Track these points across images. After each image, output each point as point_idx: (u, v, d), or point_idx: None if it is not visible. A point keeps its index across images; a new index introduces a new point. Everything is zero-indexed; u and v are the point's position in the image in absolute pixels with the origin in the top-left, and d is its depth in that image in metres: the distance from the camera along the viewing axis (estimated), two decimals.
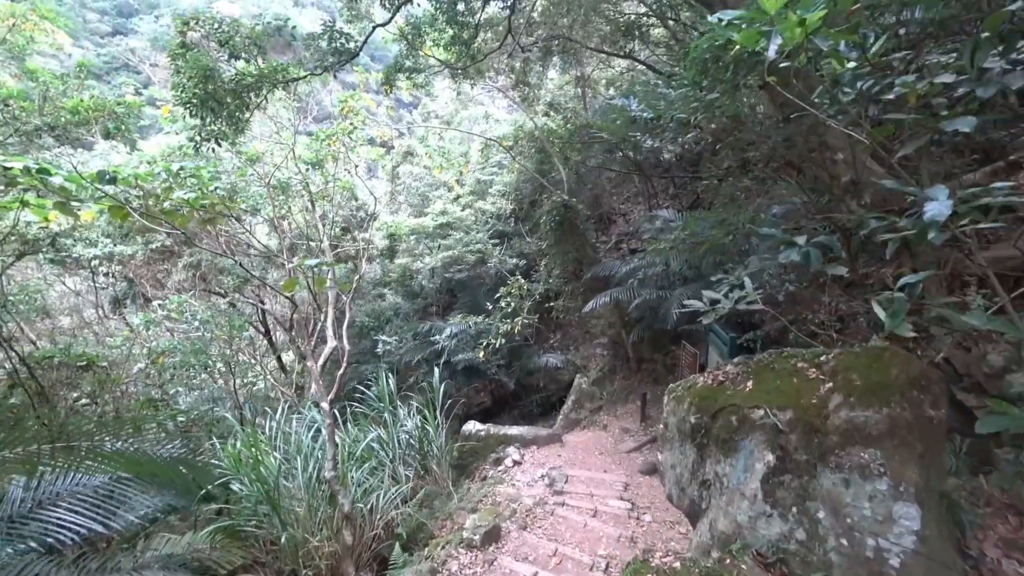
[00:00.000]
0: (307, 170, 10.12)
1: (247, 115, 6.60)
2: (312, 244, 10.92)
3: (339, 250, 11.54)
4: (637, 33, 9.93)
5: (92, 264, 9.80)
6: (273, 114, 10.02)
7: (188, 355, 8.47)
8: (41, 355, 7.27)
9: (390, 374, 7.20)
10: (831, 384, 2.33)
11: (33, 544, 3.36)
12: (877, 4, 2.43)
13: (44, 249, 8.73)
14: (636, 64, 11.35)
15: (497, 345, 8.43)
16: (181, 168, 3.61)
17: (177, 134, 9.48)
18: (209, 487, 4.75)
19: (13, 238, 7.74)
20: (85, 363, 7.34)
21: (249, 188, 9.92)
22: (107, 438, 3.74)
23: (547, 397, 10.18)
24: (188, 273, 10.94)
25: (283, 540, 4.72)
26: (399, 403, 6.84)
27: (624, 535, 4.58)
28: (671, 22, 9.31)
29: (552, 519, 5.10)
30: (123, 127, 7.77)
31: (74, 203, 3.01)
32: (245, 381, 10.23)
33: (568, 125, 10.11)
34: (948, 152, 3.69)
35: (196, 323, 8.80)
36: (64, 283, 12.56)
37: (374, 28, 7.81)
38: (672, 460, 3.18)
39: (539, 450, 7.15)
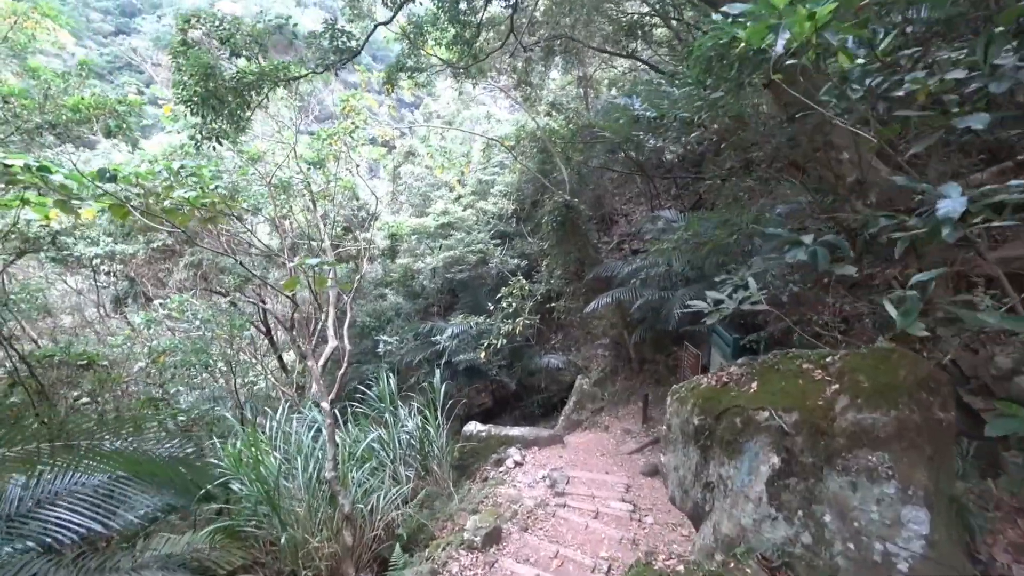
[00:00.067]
0: (308, 169, 10.11)
1: (248, 113, 6.59)
2: (313, 244, 10.91)
3: (340, 250, 11.54)
4: (640, 33, 9.91)
5: (93, 263, 9.81)
6: (275, 113, 10.02)
7: (189, 354, 8.45)
8: (42, 354, 7.27)
9: (391, 374, 7.18)
10: (838, 385, 2.30)
11: (32, 543, 3.34)
12: (885, 0, 2.40)
13: (45, 247, 8.73)
14: (638, 64, 11.33)
15: (498, 345, 8.40)
16: (182, 166, 3.59)
17: (179, 133, 9.47)
18: (209, 487, 4.72)
19: (14, 236, 7.75)
20: (86, 362, 7.33)
21: (251, 187, 9.92)
22: (107, 437, 3.72)
23: (548, 398, 10.15)
24: (189, 272, 10.95)
25: (283, 540, 4.69)
26: (400, 403, 6.82)
27: (626, 537, 4.55)
28: (674, 21, 9.29)
29: (553, 521, 5.07)
30: (124, 125, 7.78)
31: (75, 201, 3.00)
32: (246, 380, 10.22)
33: (570, 125, 10.09)
34: (955, 152, 3.66)
35: (197, 322, 8.79)
36: (65, 282, 12.57)
37: (376, 27, 7.80)
38: (675, 462, 3.15)
39: (540, 451, 7.12)
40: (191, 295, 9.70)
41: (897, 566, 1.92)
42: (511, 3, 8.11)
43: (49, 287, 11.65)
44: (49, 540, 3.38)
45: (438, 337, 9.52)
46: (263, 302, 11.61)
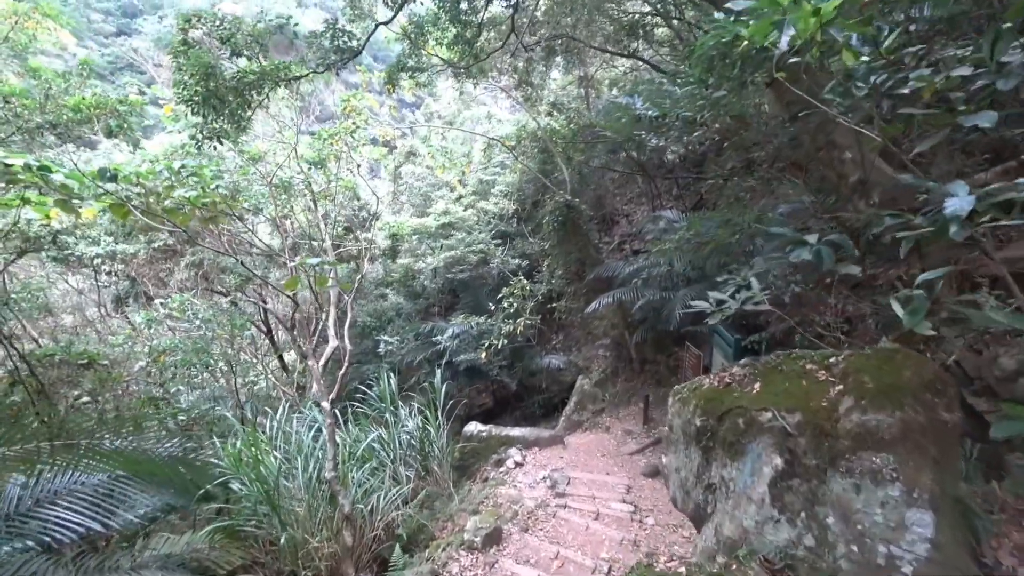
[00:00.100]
0: (309, 169, 10.11)
1: (249, 113, 6.59)
2: (314, 243, 10.91)
3: (341, 250, 11.53)
4: (641, 32, 9.90)
5: (94, 262, 9.82)
6: (275, 113, 10.02)
7: (189, 354, 8.45)
8: (42, 353, 7.28)
9: (391, 374, 7.17)
10: (841, 386, 2.28)
11: (31, 543, 3.33)
12: None
13: (46, 247, 8.74)
14: (640, 64, 11.31)
15: (499, 346, 8.39)
16: (183, 166, 3.59)
17: (180, 133, 9.47)
18: (209, 486, 4.72)
19: (15, 235, 7.75)
20: (86, 361, 7.34)
21: (251, 187, 9.92)
22: (107, 436, 3.72)
23: (549, 398, 10.13)
24: (190, 272, 10.95)
25: (283, 540, 4.68)
26: (400, 403, 6.81)
27: (627, 538, 4.53)
28: (675, 21, 9.27)
29: (554, 521, 5.05)
30: (125, 125, 7.78)
31: (75, 201, 3.00)
32: (246, 380, 10.22)
33: (571, 125, 10.06)
34: (958, 151, 3.64)
35: (198, 322, 8.79)
36: (67, 281, 12.59)
37: (376, 26, 7.79)
38: (676, 463, 3.13)
39: (541, 452, 7.10)
40: (192, 295, 9.71)
41: (901, 569, 1.90)
42: (512, 3, 8.10)
43: (50, 286, 11.65)
44: (48, 539, 3.36)
45: (439, 337, 9.51)
46: (264, 302, 11.61)
